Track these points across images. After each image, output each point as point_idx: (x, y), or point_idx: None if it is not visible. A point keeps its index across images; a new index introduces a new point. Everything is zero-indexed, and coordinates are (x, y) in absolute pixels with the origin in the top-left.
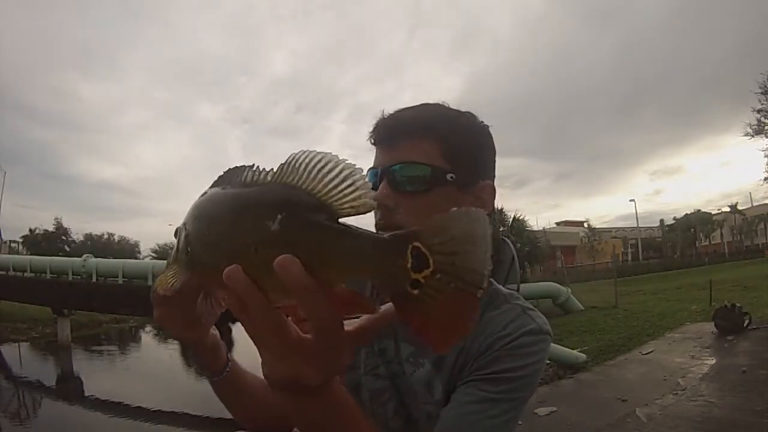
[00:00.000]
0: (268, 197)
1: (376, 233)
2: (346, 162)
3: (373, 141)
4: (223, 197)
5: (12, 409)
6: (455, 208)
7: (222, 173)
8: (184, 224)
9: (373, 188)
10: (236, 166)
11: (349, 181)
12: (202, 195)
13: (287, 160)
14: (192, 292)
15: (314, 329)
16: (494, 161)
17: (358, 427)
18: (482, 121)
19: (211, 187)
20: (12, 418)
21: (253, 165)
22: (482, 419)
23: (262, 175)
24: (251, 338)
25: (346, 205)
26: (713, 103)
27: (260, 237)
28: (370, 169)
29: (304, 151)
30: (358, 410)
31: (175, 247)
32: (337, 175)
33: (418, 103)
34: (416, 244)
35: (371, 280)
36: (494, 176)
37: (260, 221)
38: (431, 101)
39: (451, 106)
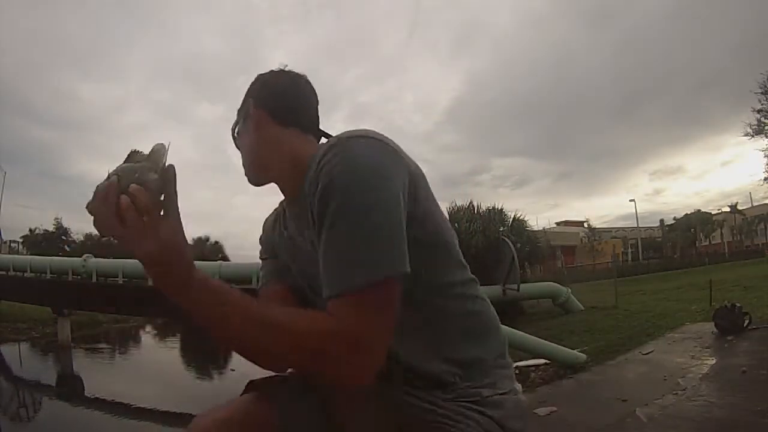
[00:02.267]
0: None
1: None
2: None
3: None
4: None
5: (12, 409)
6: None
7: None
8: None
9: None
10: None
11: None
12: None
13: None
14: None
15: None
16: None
17: (246, 308)
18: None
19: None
20: (12, 418)
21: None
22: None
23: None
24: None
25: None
26: (713, 103)
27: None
28: None
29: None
30: (236, 293)
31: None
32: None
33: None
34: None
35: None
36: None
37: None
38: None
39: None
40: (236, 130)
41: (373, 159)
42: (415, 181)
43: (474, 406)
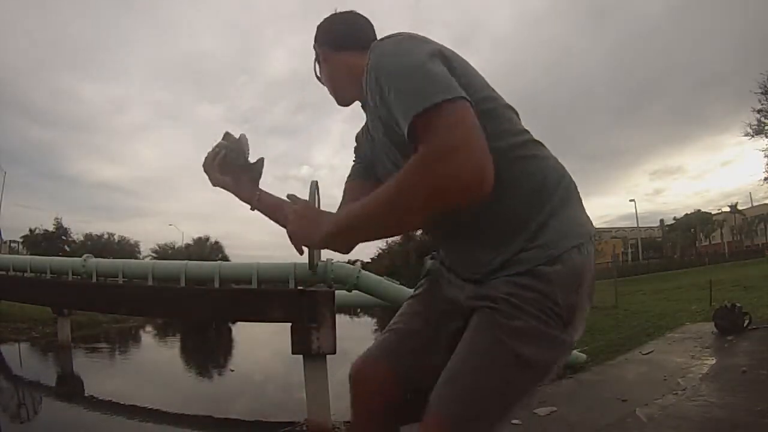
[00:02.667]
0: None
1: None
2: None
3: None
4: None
5: (12, 409)
6: None
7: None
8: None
9: None
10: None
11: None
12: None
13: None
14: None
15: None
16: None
17: (367, 209)
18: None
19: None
20: (12, 418)
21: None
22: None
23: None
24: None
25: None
26: (713, 103)
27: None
28: None
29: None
30: (352, 210)
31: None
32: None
33: None
34: None
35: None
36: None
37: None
38: None
39: None
40: (317, 72)
41: (402, 37)
42: (449, 56)
43: (521, 280)
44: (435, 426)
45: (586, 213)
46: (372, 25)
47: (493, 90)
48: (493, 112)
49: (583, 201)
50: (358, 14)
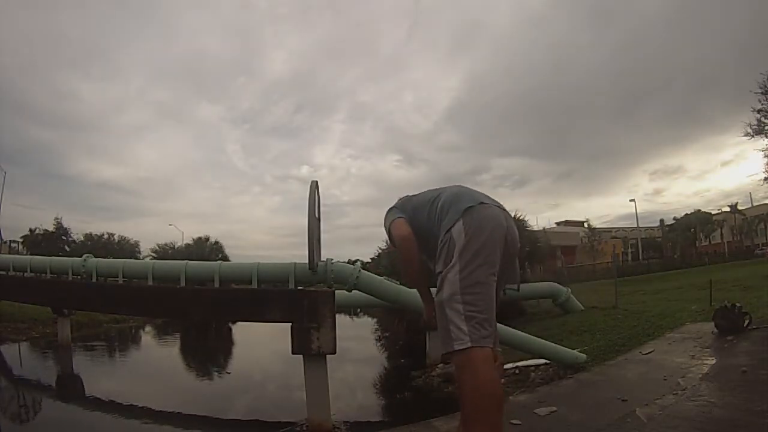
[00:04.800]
0: None
1: None
2: None
3: None
4: None
5: (12, 409)
6: None
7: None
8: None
9: None
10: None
11: None
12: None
13: None
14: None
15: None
16: None
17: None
18: None
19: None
20: (12, 418)
21: None
22: None
23: None
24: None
25: None
26: (713, 103)
27: None
28: None
29: None
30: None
31: None
32: None
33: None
34: None
35: None
36: None
37: None
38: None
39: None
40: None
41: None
42: (405, 201)
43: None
44: None
45: (456, 207)
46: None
47: (420, 199)
48: (419, 209)
49: (462, 196)
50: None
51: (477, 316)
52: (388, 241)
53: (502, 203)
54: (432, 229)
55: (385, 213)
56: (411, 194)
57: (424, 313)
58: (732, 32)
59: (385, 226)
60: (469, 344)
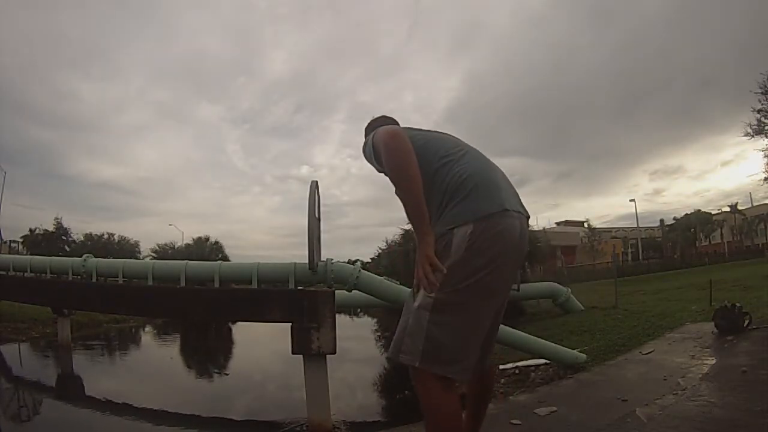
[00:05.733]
0: None
1: None
2: None
3: None
4: None
5: (12, 409)
6: None
7: None
8: None
9: None
10: None
11: None
12: None
13: None
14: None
15: None
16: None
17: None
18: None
19: None
20: (12, 418)
21: None
22: None
23: None
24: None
25: None
26: (713, 103)
27: None
28: None
29: None
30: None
31: None
32: None
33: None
34: None
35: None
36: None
37: None
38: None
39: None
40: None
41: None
42: (408, 130)
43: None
44: None
45: (474, 199)
46: (391, 119)
47: (433, 137)
48: (424, 147)
49: (486, 185)
50: (387, 117)
51: (440, 341)
52: (370, 157)
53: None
54: (432, 192)
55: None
56: (413, 126)
57: (422, 257)
58: (732, 32)
59: (366, 138)
60: (417, 364)
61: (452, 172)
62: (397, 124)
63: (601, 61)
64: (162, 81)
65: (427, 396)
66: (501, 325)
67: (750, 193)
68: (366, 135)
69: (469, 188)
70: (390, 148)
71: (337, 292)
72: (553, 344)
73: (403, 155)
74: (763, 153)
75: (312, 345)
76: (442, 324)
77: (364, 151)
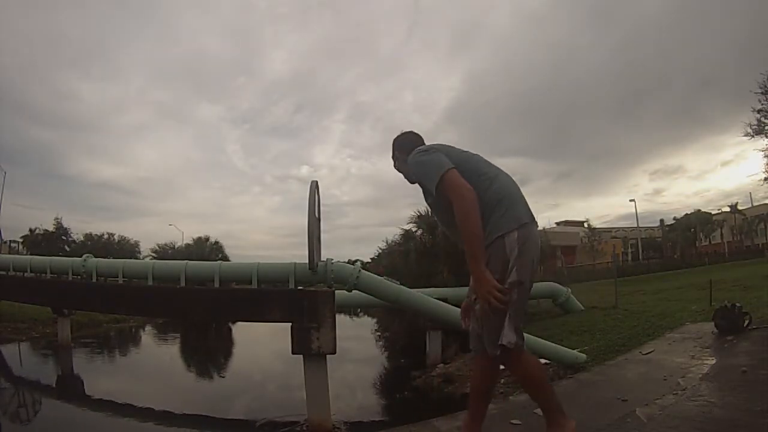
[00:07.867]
0: None
1: None
2: None
3: None
4: None
5: (12, 409)
6: None
7: None
8: None
9: None
10: None
11: None
12: None
13: None
14: None
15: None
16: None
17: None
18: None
19: None
20: (12, 418)
21: None
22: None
23: None
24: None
25: None
26: (713, 103)
27: None
28: None
29: None
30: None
31: None
32: None
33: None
34: None
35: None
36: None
37: None
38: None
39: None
40: (395, 164)
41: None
42: (444, 150)
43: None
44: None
45: (513, 212)
46: (418, 136)
47: (469, 156)
48: (465, 162)
49: (518, 201)
50: (416, 133)
51: (518, 325)
52: (420, 175)
53: None
54: None
55: (418, 157)
56: (446, 144)
57: (486, 284)
58: (732, 32)
59: (427, 170)
60: (513, 347)
61: (491, 189)
62: (422, 139)
63: (601, 61)
64: (162, 81)
65: (527, 365)
66: None
67: (750, 193)
68: (395, 149)
69: (507, 203)
70: (466, 199)
71: (337, 292)
72: (553, 344)
73: (474, 207)
74: (763, 153)
75: (312, 345)
76: (518, 311)
77: (397, 165)
